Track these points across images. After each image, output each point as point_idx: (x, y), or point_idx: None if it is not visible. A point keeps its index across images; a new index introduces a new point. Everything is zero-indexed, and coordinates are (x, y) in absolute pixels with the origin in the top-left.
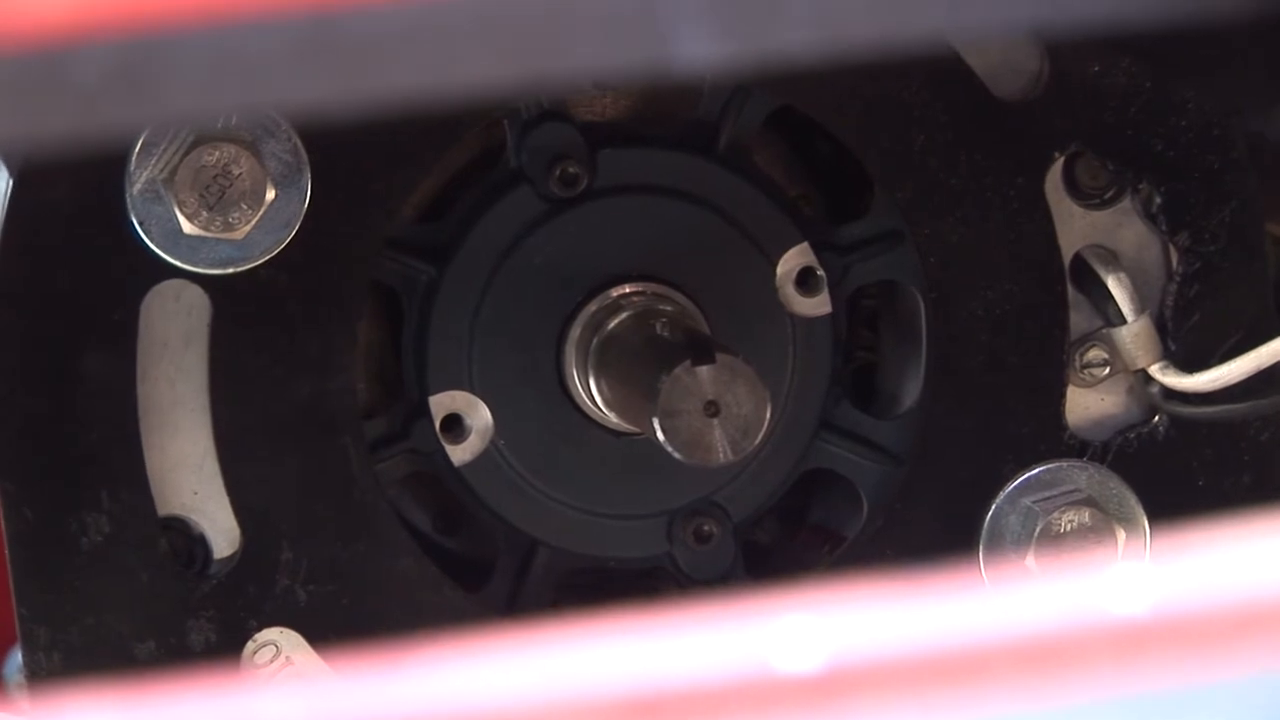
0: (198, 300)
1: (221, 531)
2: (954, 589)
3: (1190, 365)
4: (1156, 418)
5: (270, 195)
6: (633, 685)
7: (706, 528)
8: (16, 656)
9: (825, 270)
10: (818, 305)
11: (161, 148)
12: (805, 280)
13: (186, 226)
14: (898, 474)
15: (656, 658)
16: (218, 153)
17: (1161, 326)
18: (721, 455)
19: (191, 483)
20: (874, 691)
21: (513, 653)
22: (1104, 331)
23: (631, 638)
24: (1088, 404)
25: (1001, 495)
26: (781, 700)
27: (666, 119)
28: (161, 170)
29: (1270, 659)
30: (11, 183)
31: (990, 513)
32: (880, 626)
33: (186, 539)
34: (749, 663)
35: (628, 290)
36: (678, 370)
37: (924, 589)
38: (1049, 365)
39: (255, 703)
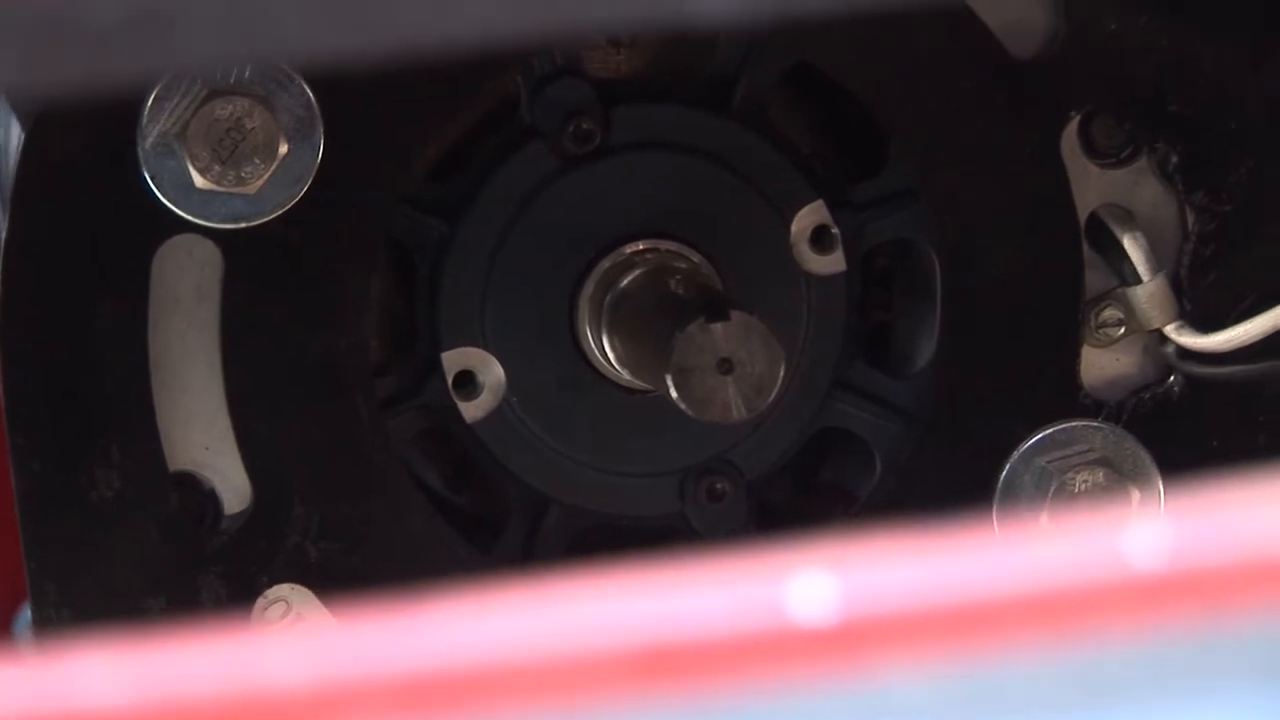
0: (210, 255)
1: (232, 487)
2: (968, 540)
3: (1206, 325)
4: (1171, 378)
5: (283, 149)
6: (644, 636)
7: (719, 486)
8: (26, 613)
9: (840, 228)
10: (832, 263)
11: (174, 101)
12: (820, 238)
13: (199, 181)
14: (911, 433)
15: (668, 609)
16: (230, 106)
17: (1177, 286)
18: (735, 413)
19: (203, 438)
20: (889, 642)
21: (522, 604)
22: (1119, 291)
23: (643, 588)
24: (1103, 364)
25: (1016, 455)
26: (795, 651)
27: (681, 75)
28: (174, 124)
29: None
30: (24, 136)
31: (1004, 472)
32: (895, 577)
33: (197, 494)
34: (762, 614)
35: (641, 247)
36: (691, 327)
37: (938, 540)
38: (1064, 325)
39: (260, 654)
